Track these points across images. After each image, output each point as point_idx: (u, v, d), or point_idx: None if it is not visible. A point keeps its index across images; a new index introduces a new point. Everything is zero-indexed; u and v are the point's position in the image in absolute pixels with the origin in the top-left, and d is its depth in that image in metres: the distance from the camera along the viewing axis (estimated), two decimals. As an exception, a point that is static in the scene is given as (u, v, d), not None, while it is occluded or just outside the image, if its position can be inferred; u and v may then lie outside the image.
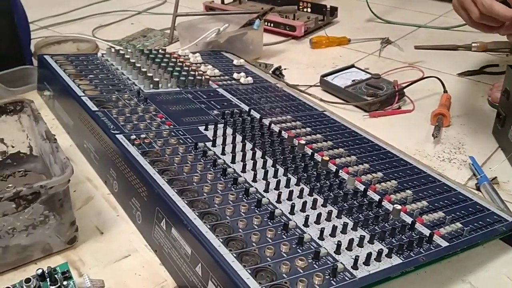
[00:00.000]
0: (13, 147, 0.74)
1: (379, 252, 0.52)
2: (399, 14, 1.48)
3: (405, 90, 1.00)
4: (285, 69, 1.14)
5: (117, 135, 0.69)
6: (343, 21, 1.44)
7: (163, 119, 0.76)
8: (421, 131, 0.90)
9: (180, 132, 0.73)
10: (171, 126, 0.74)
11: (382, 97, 0.96)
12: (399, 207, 0.59)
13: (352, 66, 1.09)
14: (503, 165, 0.80)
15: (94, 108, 0.76)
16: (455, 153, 0.84)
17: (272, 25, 1.34)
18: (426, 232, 0.57)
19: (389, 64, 1.15)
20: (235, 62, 1.07)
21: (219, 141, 0.71)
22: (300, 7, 1.45)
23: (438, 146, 0.85)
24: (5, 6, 1.01)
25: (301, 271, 0.49)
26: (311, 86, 1.06)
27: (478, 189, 0.74)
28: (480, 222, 0.61)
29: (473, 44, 1.21)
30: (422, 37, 1.26)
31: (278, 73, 1.12)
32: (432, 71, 1.12)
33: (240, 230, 0.53)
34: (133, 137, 0.69)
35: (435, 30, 1.34)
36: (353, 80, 1.03)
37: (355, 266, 0.50)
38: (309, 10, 1.44)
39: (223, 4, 1.48)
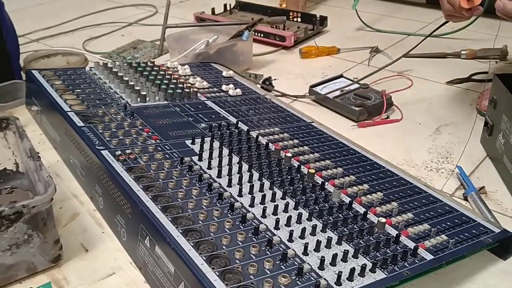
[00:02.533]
0: (-1, 164, 0.74)
1: (363, 267, 0.51)
2: (389, 22, 1.49)
3: (393, 99, 1.00)
4: (275, 79, 1.14)
5: (102, 151, 0.69)
6: (333, 30, 1.44)
7: (150, 133, 0.76)
8: (410, 140, 0.90)
9: (166, 146, 0.73)
10: (157, 141, 0.74)
11: (368, 107, 0.96)
12: (383, 220, 0.59)
13: (341, 76, 1.10)
14: (491, 174, 0.80)
15: (80, 123, 0.76)
16: (443, 163, 0.84)
17: (262, 35, 1.34)
18: (411, 245, 0.57)
19: (378, 73, 1.15)
20: (224, 73, 1.07)
21: (205, 155, 0.71)
22: (290, 17, 1.46)
23: (426, 156, 0.86)
24: (-7, 21, 1.02)
25: (284, 288, 0.48)
26: (300, 96, 1.06)
27: (465, 199, 0.74)
28: (466, 234, 0.61)
29: (462, 52, 1.22)
30: (411, 45, 1.25)
31: (268, 83, 1.12)
32: (421, 79, 1.13)
33: (224, 247, 0.53)
34: (118, 152, 0.68)
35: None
36: (341, 90, 1.03)
37: (338, 282, 0.50)
38: (299, 19, 1.45)
39: (213, 15, 1.48)
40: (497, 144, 0.80)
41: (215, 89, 0.99)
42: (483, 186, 0.77)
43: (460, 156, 0.83)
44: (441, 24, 0.99)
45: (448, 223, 0.63)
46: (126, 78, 0.93)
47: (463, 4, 0.78)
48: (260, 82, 1.12)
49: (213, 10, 1.50)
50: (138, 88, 0.89)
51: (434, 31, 1.04)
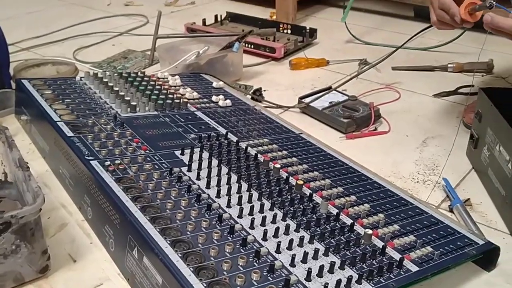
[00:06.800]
0: (-13, 173, 0.74)
1: (349, 279, 0.52)
2: (378, 35, 1.51)
3: (381, 111, 1.01)
4: (264, 90, 1.15)
5: (91, 161, 0.69)
6: (322, 42, 1.46)
7: (139, 143, 0.77)
8: (397, 152, 0.91)
9: (155, 157, 0.73)
10: (147, 151, 0.75)
11: (356, 119, 0.97)
12: (370, 231, 0.60)
13: (330, 87, 1.11)
14: (477, 187, 0.81)
15: (70, 133, 0.76)
16: (430, 175, 0.85)
17: (252, 46, 1.35)
18: (397, 256, 0.58)
19: (367, 86, 1.16)
20: (214, 84, 1.08)
21: (194, 165, 0.72)
22: (280, 29, 1.47)
23: (413, 168, 0.87)
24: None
25: (271, 300, 0.49)
26: (289, 107, 1.07)
27: (451, 210, 0.75)
28: (451, 246, 0.62)
29: (449, 65, 1.24)
30: (399, 58, 1.27)
31: (258, 94, 1.13)
32: (409, 92, 1.14)
33: (212, 258, 0.53)
34: (108, 163, 0.69)
35: (412, 51, 1.37)
36: (330, 102, 1.05)
37: (325, 293, 0.50)
38: (289, 31, 1.46)
39: (204, 26, 1.49)
40: (482, 157, 0.82)
41: (205, 100, 1.00)
42: (469, 198, 0.78)
43: (445, 168, 0.84)
44: (418, 32, 0.99)
45: (434, 235, 0.63)
46: (116, 88, 0.93)
47: (466, 17, 0.78)
48: (250, 93, 1.13)
49: (204, 21, 1.51)
50: (128, 98, 0.89)
51: (413, 36, 1.04)
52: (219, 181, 0.68)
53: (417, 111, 1.06)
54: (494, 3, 0.74)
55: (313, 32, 1.43)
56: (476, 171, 0.85)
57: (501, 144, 0.74)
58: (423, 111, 1.06)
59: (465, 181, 0.83)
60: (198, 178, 0.69)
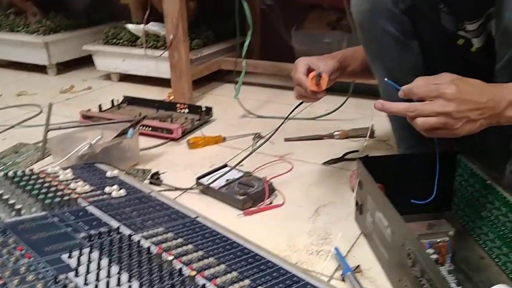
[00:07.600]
0: None
1: None
2: (270, 108, 1.58)
3: (275, 184, 1.05)
4: (163, 173, 1.15)
5: (-34, 281, 0.64)
6: (219, 119, 1.50)
7: (23, 251, 0.73)
8: (292, 224, 0.94)
9: (40, 264, 0.70)
10: (31, 259, 0.71)
11: (252, 195, 1.00)
12: (261, 319, 0.61)
13: (225, 165, 1.14)
14: (366, 252, 0.86)
15: None
16: (323, 244, 0.88)
17: (149, 129, 1.37)
18: None
19: (262, 159, 1.21)
20: (108, 174, 1.07)
21: (82, 269, 0.69)
22: (178, 109, 1.50)
23: (307, 239, 0.90)
24: None
25: None
26: (187, 189, 1.08)
27: (343, 280, 0.78)
28: (340, 320, 0.64)
29: (335, 133, 1.33)
30: (291, 129, 1.35)
31: (156, 178, 1.13)
32: (300, 162, 1.20)
33: None
34: (-15, 280, 0.65)
35: (302, 121, 1.45)
36: (227, 180, 1.07)
37: None
38: (186, 111, 1.50)
39: (100, 112, 1.49)
40: (367, 222, 0.87)
41: (98, 192, 0.98)
42: (358, 265, 0.81)
43: (337, 236, 0.88)
44: (295, 106, 1.08)
45: (324, 311, 0.65)
46: (0, 192, 0.89)
47: (312, 88, 0.91)
48: (148, 178, 1.12)
49: (100, 106, 1.51)
50: (12, 201, 0.86)
51: (289, 114, 1.12)
52: (108, 284, 0.66)
53: (308, 180, 1.11)
54: (320, 72, 0.90)
55: (209, 110, 1.48)
56: (364, 236, 0.90)
57: (380, 211, 0.80)
58: (314, 180, 1.11)
59: (356, 247, 0.87)
60: (85, 284, 0.66)
